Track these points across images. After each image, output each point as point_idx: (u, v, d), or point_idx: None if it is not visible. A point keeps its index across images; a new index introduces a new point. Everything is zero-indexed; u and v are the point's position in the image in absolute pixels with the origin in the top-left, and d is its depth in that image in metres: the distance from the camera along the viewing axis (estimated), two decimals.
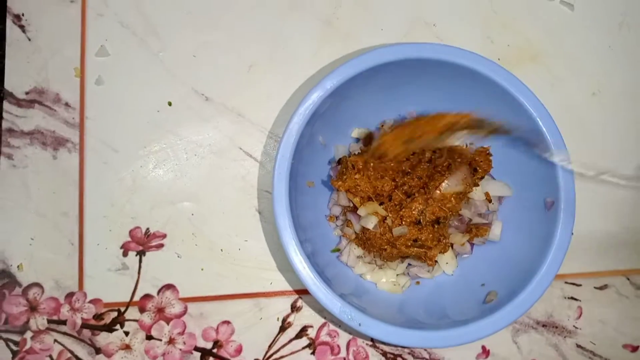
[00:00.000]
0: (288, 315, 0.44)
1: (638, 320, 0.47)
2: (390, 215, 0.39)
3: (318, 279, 0.37)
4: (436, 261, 0.41)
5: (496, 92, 0.40)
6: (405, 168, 0.39)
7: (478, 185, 0.42)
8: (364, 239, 0.41)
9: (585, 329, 0.46)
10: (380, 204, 0.39)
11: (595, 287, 0.47)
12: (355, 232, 0.42)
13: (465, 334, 0.36)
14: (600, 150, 0.49)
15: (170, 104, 0.46)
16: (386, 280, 0.43)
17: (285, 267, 0.45)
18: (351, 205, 0.41)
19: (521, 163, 0.41)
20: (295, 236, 0.37)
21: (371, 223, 0.38)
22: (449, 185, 0.38)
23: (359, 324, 0.36)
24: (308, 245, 0.39)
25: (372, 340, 0.44)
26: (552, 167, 0.39)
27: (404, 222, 0.38)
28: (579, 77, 0.50)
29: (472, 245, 0.44)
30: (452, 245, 0.43)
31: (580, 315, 0.46)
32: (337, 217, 0.44)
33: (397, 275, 0.43)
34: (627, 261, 0.47)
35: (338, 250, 0.43)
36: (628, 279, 0.47)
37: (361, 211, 0.39)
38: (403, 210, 0.38)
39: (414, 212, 0.38)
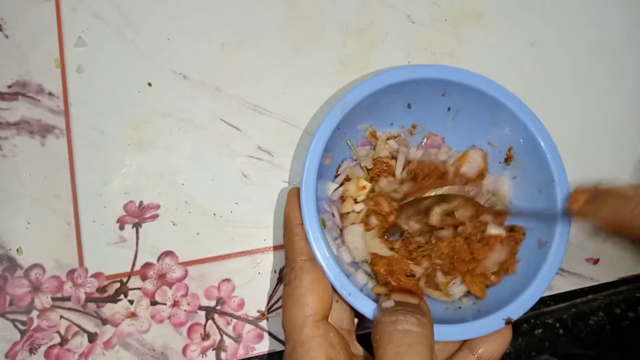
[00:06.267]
0: (284, 267, 0.47)
1: (594, 236, 0.52)
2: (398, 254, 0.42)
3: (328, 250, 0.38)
4: None
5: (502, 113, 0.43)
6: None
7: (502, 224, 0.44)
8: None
9: None
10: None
11: None
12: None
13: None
14: (540, 98, 0.55)
15: (150, 84, 0.49)
16: None
17: (277, 224, 0.48)
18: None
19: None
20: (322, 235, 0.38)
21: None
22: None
23: (349, 294, 0.37)
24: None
25: None
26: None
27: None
28: (519, 31, 0.56)
29: None
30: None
31: None
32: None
33: None
34: None
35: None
36: None
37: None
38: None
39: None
